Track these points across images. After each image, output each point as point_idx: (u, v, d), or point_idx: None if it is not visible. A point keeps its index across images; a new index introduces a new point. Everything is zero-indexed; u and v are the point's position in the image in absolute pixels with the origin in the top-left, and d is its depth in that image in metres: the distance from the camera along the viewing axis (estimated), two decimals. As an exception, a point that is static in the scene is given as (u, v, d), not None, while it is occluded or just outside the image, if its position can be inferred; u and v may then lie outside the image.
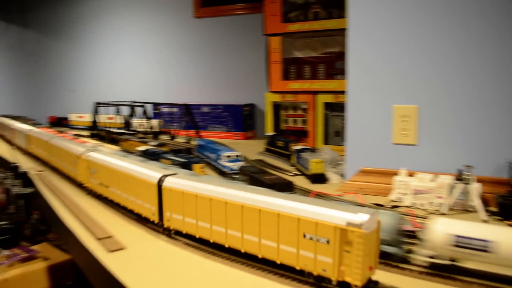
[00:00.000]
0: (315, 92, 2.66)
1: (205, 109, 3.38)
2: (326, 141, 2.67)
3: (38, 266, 2.16)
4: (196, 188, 1.05)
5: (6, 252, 2.18)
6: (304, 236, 0.83)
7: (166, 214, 1.14)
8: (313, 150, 2.07)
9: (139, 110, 3.03)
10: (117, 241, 1.11)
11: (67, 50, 4.89)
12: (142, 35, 4.16)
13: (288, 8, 2.72)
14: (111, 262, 1.00)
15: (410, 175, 1.48)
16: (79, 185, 1.68)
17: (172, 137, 2.99)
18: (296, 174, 1.95)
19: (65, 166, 1.84)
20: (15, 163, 2.16)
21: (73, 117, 4.20)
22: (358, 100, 1.68)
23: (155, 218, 1.19)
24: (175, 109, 3.46)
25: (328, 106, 2.65)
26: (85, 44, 4.70)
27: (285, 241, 0.86)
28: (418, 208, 1.40)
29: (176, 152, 2.24)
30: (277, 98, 2.84)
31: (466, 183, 1.33)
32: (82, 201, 1.53)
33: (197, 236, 1.06)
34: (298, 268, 0.85)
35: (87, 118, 3.98)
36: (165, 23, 3.97)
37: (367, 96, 1.66)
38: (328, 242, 0.79)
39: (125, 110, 3.32)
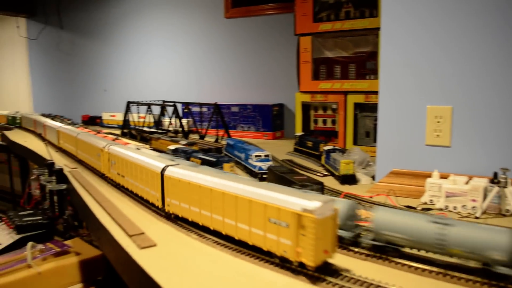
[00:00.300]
0: (345, 92, 2.64)
1: (235, 109, 3.40)
2: (356, 142, 2.64)
3: (70, 260, 2.21)
4: (189, 176, 1.17)
5: (40, 246, 2.24)
6: (270, 220, 0.93)
7: (167, 199, 1.28)
8: (343, 151, 2.05)
9: (169, 110, 3.07)
10: (148, 238, 1.12)
11: (101, 50, 5.00)
12: (173, 36, 4.22)
13: (319, 7, 2.71)
14: (143, 258, 1.01)
15: (443, 177, 1.44)
16: (102, 176, 1.85)
17: (202, 136, 3.02)
18: (325, 175, 1.94)
19: (90, 158, 2.01)
20: (50, 160, 2.22)
21: (106, 116, 4.29)
22: (390, 100, 1.66)
23: (158, 203, 1.32)
24: (204, 109, 3.50)
25: (358, 106, 2.62)
26: (118, 44, 4.80)
27: (255, 225, 0.97)
28: (451, 211, 1.37)
29: (205, 151, 2.26)
30: (306, 98, 2.83)
31: (501, 186, 1.29)
32: (110, 195, 1.56)
33: (190, 220, 1.19)
34: (265, 249, 0.96)
35: (119, 117, 4.06)
36: (196, 23, 4.01)
37: (399, 97, 1.63)
38: (287, 226, 0.89)
39: (156, 109, 3.37)
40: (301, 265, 0.88)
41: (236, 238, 1.03)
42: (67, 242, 2.38)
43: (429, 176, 1.47)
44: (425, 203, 1.45)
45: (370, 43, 2.57)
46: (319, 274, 0.87)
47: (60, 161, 2.36)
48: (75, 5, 5.16)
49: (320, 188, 1.43)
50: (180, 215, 1.23)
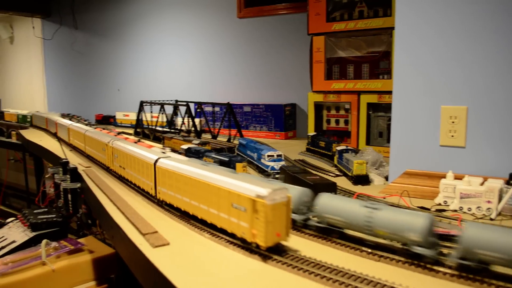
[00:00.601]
0: (358, 92, 2.62)
1: (247, 109, 3.40)
2: (369, 142, 2.62)
3: (84, 258, 2.23)
4: (174, 167, 1.31)
5: (54, 244, 2.26)
6: (232, 205, 1.04)
7: (158, 188, 1.42)
8: (355, 151, 2.04)
9: (182, 109, 3.09)
10: (161, 236, 1.13)
11: (114, 50, 5.04)
12: (187, 35, 4.24)
13: (332, 7, 2.70)
14: (156, 257, 1.02)
15: (458, 178, 1.43)
16: (106, 169, 2.02)
17: (214, 136, 3.03)
18: (338, 175, 1.93)
19: (96, 153, 2.19)
20: (65, 159, 2.25)
21: (119, 116, 4.32)
22: (404, 100, 1.65)
23: (152, 191, 1.46)
24: (217, 108, 3.50)
25: (372, 106, 2.60)
26: (131, 44, 4.83)
27: (222, 209, 1.09)
28: (465, 213, 1.36)
29: (218, 150, 2.27)
30: (319, 98, 2.82)
31: (518, 188, 1.27)
32: (125, 194, 1.57)
33: (175, 206, 1.32)
34: (229, 231, 1.07)
35: (132, 116, 4.09)
36: (209, 23, 4.02)
37: (413, 97, 1.62)
38: (245, 210, 1.00)
39: (169, 109, 3.39)
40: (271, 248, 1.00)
41: (209, 222, 1.15)
42: (80, 240, 2.40)
43: (443, 177, 1.46)
44: (439, 204, 1.44)
45: (384, 43, 2.55)
46: (269, 253, 0.99)
47: (74, 160, 2.39)
48: (89, 5, 5.21)
49: (331, 186, 1.43)
50: (168, 202, 1.37)
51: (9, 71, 6.75)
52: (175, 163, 1.33)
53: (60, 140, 3.10)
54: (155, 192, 1.44)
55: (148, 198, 1.53)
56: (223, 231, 1.11)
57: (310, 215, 1.16)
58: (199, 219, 1.20)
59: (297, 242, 1.09)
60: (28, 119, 4.51)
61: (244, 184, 1.02)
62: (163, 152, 1.47)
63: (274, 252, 1.00)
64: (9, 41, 6.56)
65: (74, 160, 2.37)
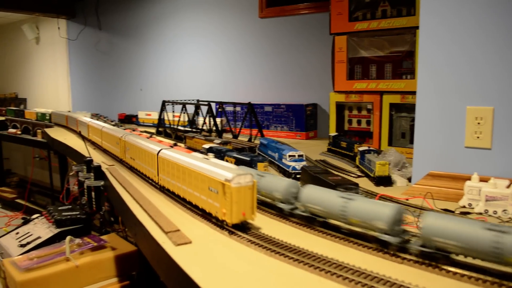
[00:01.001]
0: (381, 92, 2.59)
1: (268, 109, 3.40)
2: (391, 143, 2.59)
3: (107, 255, 2.26)
4: (170, 156, 1.50)
5: (78, 241, 2.30)
6: (209, 188, 1.22)
7: (160, 175, 1.61)
8: (378, 152, 2.02)
9: (203, 109, 3.11)
10: (184, 235, 1.14)
11: (137, 50, 5.10)
12: (208, 35, 4.26)
13: (355, 6, 2.68)
14: (178, 255, 1.03)
15: (483, 180, 1.40)
16: (120, 161, 2.24)
17: (235, 136, 3.04)
18: (359, 176, 1.91)
19: (111, 147, 2.42)
20: (89, 157, 2.29)
21: (141, 115, 4.37)
22: (429, 100, 1.62)
23: (156, 179, 1.66)
24: (238, 108, 3.51)
25: (394, 106, 2.57)
26: (153, 44, 4.88)
27: (203, 192, 1.27)
28: (491, 216, 1.33)
29: (239, 150, 2.27)
30: (341, 98, 2.80)
31: (546, 191, 1.24)
32: (149, 194, 1.59)
33: (171, 190, 1.52)
34: (207, 211, 1.26)
35: (154, 115, 4.14)
36: (231, 23, 4.03)
37: (438, 97, 1.59)
38: (217, 192, 1.17)
39: (191, 109, 3.41)
40: (234, 226, 1.17)
41: (193, 203, 1.34)
42: (103, 237, 2.44)
43: (468, 179, 1.43)
44: (464, 207, 1.41)
45: (407, 42, 2.52)
46: (234, 230, 1.16)
47: (98, 158, 2.42)
48: (113, 6, 5.28)
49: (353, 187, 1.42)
50: (166, 187, 1.56)
51: (35, 71, 6.90)
52: (171, 153, 1.52)
53: (84, 138, 3.16)
54: (158, 179, 1.64)
55: (183, 204, 1.54)
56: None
57: (296, 205, 1.26)
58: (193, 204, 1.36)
59: (279, 228, 1.24)
60: (47, 117, 4.71)
61: (218, 170, 1.19)
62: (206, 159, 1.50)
63: (240, 229, 1.16)
64: (35, 41, 6.71)
65: (98, 158, 2.41)
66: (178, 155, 1.46)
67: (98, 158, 2.40)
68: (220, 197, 1.16)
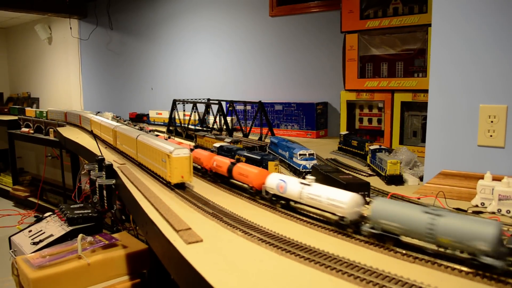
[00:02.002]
0: (392, 91, 2.58)
1: (278, 107, 3.40)
2: (402, 142, 2.58)
3: (118, 253, 2.28)
4: (143, 138, 1.99)
5: (90, 239, 2.32)
6: (162, 160, 1.70)
7: (138, 155, 2.10)
8: (389, 151, 2.01)
9: (214, 107, 3.11)
10: (195, 233, 1.14)
11: (148, 49, 5.13)
12: (219, 35, 4.26)
13: (366, 4, 2.66)
14: (189, 253, 1.03)
15: (496, 179, 1.38)
16: (113, 148, 2.67)
17: (246, 134, 3.04)
18: (371, 175, 1.90)
19: (107, 136, 2.85)
20: (100, 156, 2.30)
21: (152, 114, 4.39)
22: (441, 99, 1.60)
23: (136, 157, 2.15)
24: (249, 107, 3.51)
25: (405, 105, 2.55)
26: (164, 43, 4.90)
27: (159, 163, 1.75)
28: (504, 215, 1.31)
29: (250, 149, 2.27)
30: (352, 96, 2.79)
31: (561, 190, 1.22)
32: (159, 192, 1.60)
33: (144, 165, 2.02)
34: (161, 176, 1.75)
35: (165, 114, 4.15)
36: (241, 22, 4.03)
37: (450, 95, 1.58)
38: (165, 161, 1.65)
39: (201, 107, 3.42)
40: (178, 185, 1.65)
41: (154, 171, 1.85)
42: (114, 235, 2.46)
43: (481, 177, 1.41)
44: (476, 206, 1.40)
45: (419, 40, 2.50)
46: (175, 188, 1.63)
47: (109, 157, 2.44)
48: (124, 6, 5.31)
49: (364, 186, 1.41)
50: (141, 162, 2.07)
51: (47, 71, 6.96)
52: (144, 136, 2.03)
53: (96, 137, 3.18)
54: (136, 157, 2.14)
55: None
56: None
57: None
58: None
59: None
60: (44, 114, 5.07)
61: (166, 145, 1.68)
62: (143, 131, 2.22)
63: (179, 188, 1.64)
64: (48, 41, 6.77)
65: (109, 157, 2.43)
66: (148, 138, 1.93)
67: (109, 157, 2.42)
68: (167, 164, 1.63)
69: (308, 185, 1.22)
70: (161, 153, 1.70)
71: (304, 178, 1.33)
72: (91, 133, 3.47)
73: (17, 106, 6.42)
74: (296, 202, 1.32)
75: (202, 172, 1.93)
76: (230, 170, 1.64)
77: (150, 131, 2.58)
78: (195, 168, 1.93)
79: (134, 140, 2.13)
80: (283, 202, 1.38)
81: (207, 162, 1.84)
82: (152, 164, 1.87)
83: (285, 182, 1.31)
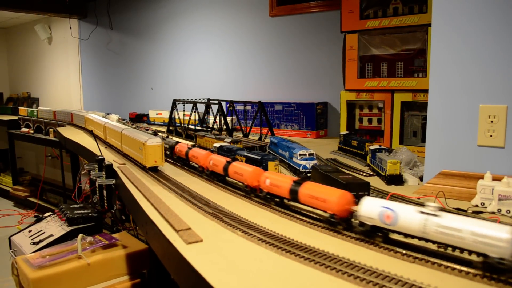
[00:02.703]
0: (392, 91, 2.58)
1: (278, 107, 3.40)
2: (402, 141, 2.58)
3: (118, 253, 2.28)
4: (127, 131, 2.35)
5: (89, 239, 2.32)
6: (139, 148, 2.01)
7: (122, 146, 2.43)
8: (389, 150, 2.01)
9: (214, 107, 3.11)
10: (194, 233, 1.14)
11: (148, 49, 5.13)
12: (219, 34, 4.26)
13: (366, 4, 2.66)
14: (189, 253, 1.03)
15: (496, 179, 1.39)
16: (104, 141, 2.98)
17: (246, 134, 3.04)
18: (371, 175, 1.90)
19: (98, 132, 3.19)
20: (101, 156, 2.30)
21: (152, 114, 4.40)
22: (441, 98, 1.60)
23: (121, 149, 2.48)
24: (249, 107, 3.51)
25: (405, 105, 2.55)
26: (164, 43, 4.90)
27: (137, 151, 2.08)
28: (504, 215, 1.31)
29: (250, 149, 2.27)
30: (352, 96, 2.79)
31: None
32: (158, 191, 1.60)
33: (124, 152, 2.41)
34: (139, 161, 2.10)
35: (165, 114, 4.16)
36: (241, 22, 4.03)
37: (451, 95, 1.58)
38: (142, 149, 1.97)
39: (201, 107, 3.42)
40: (152, 168, 2.01)
41: (134, 158, 2.20)
42: (114, 235, 2.46)
43: (481, 177, 1.42)
44: (476, 206, 1.40)
45: (419, 40, 2.50)
46: (149, 171, 1.99)
47: (109, 157, 2.44)
48: (124, 6, 5.31)
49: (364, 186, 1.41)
50: (125, 152, 2.38)
51: (47, 71, 6.96)
52: (128, 128, 2.44)
53: (96, 138, 3.19)
54: (122, 148, 2.46)
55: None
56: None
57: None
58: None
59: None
60: (35, 113, 5.34)
61: (142, 136, 2.03)
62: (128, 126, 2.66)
63: (153, 170, 2.00)
64: (48, 41, 6.77)
65: (109, 157, 2.43)
66: (130, 131, 2.31)
67: (109, 157, 2.42)
68: (143, 151, 1.97)
69: (435, 215, 0.93)
70: (138, 143, 2.03)
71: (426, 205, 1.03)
72: (91, 133, 3.47)
73: (8, 106, 6.53)
74: (290, 200, 1.31)
75: (199, 171, 1.94)
76: (226, 168, 1.63)
77: (156, 132, 2.63)
78: (192, 167, 2.09)
79: (119, 133, 2.46)
80: (277, 200, 1.38)
81: (204, 161, 1.84)
82: (132, 152, 2.20)
83: (394, 211, 1.00)
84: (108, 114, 3.96)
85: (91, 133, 3.45)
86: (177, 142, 2.24)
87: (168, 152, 2.33)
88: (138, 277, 2.28)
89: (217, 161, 1.72)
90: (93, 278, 2.16)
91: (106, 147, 2.80)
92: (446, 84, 1.59)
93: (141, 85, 5.29)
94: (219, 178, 1.78)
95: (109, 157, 2.44)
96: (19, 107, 5.89)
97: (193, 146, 2.10)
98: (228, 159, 1.68)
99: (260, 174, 1.44)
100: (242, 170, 1.53)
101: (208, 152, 1.91)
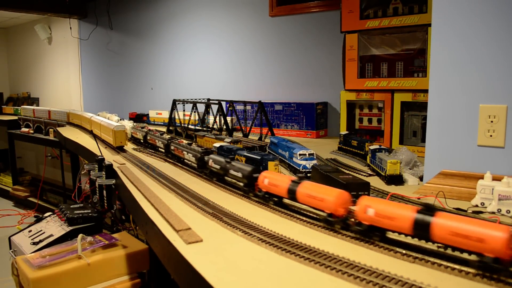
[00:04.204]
0: (392, 91, 2.58)
1: (278, 107, 3.40)
2: (402, 141, 2.58)
3: (118, 253, 2.28)
4: (106, 123, 2.90)
5: (89, 239, 2.32)
6: (110, 133, 2.70)
7: (101, 133, 3.01)
8: (389, 150, 2.01)
9: (214, 107, 3.11)
10: (195, 233, 1.14)
11: (148, 49, 5.13)
12: (219, 34, 4.26)
13: (366, 4, 2.66)
14: (189, 253, 1.03)
15: (496, 179, 1.38)
16: (90, 132, 3.53)
17: (245, 134, 3.04)
18: (371, 175, 1.90)
19: (86, 124, 3.70)
20: (101, 156, 2.30)
21: (152, 114, 4.40)
22: (441, 98, 1.60)
23: (100, 136, 3.08)
24: (249, 107, 3.51)
25: (405, 105, 2.55)
26: (164, 43, 4.90)
27: (109, 135, 2.74)
28: (504, 215, 1.31)
29: (250, 149, 2.27)
30: (352, 96, 2.79)
31: (561, 190, 1.22)
32: (156, 189, 1.60)
33: (102, 138, 3.03)
34: (109, 143, 2.78)
35: (165, 114, 4.16)
36: (241, 22, 4.03)
37: (451, 95, 1.58)
38: (112, 134, 2.65)
39: (201, 107, 3.42)
40: (119, 147, 2.68)
41: (107, 140, 2.82)
42: (114, 235, 2.46)
43: (481, 177, 1.42)
44: (476, 206, 1.40)
45: (419, 40, 2.50)
46: (117, 149, 2.65)
47: (109, 157, 2.44)
48: (124, 6, 5.31)
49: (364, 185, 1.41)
50: (102, 138, 3.01)
51: (47, 71, 6.96)
52: (104, 121, 2.99)
53: (96, 137, 3.19)
54: (91, 128, 3.31)
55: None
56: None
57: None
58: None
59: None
60: (19, 111, 5.88)
61: (112, 123, 2.73)
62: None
63: (119, 149, 2.63)
64: (48, 41, 6.76)
65: (109, 157, 2.43)
66: (105, 121, 2.97)
67: (109, 157, 2.42)
68: (112, 134, 2.63)
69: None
70: (109, 129, 2.72)
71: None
72: (91, 133, 3.47)
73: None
74: (288, 198, 1.30)
75: (236, 187, 1.65)
76: (292, 191, 1.26)
77: (162, 133, 2.67)
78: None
79: (99, 124, 3.07)
80: (275, 199, 1.38)
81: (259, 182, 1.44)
82: (106, 136, 2.85)
83: None
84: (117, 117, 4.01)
85: (91, 133, 3.45)
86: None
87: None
88: (138, 277, 2.28)
89: (277, 181, 1.34)
90: (93, 278, 2.16)
91: (106, 147, 2.80)
92: (446, 84, 1.59)
93: (141, 85, 5.29)
94: (218, 178, 1.78)
95: (109, 157, 2.44)
96: (3, 106, 6.30)
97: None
98: (294, 178, 1.30)
99: (348, 199, 1.14)
100: (321, 194, 1.17)
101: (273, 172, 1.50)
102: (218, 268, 0.95)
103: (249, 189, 1.49)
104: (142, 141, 2.77)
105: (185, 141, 2.30)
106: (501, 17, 1.45)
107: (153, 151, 2.59)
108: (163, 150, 2.42)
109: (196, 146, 2.13)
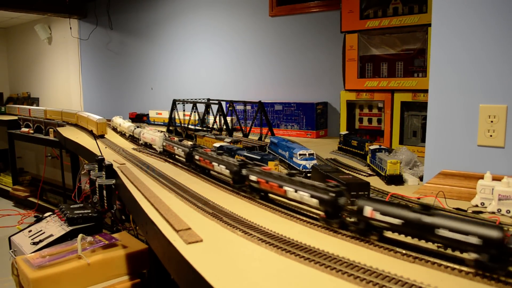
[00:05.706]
0: (392, 91, 2.58)
1: (278, 107, 3.40)
2: (402, 141, 2.58)
3: (118, 253, 2.28)
4: (90, 116, 3.58)
5: (89, 239, 2.32)
6: (95, 126, 3.33)
7: (87, 125, 3.63)
8: (389, 150, 2.01)
9: (214, 107, 3.11)
10: (195, 233, 1.14)
11: (148, 49, 5.13)
12: (219, 34, 4.26)
13: (366, 4, 2.66)
14: (189, 253, 1.03)
15: (496, 179, 1.38)
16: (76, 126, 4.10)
17: (245, 134, 3.04)
18: (370, 175, 1.90)
19: (72, 119, 4.23)
20: (101, 156, 2.30)
21: (152, 114, 4.40)
22: (441, 98, 1.60)
23: (87, 128, 3.68)
24: (249, 107, 3.51)
25: (405, 105, 2.55)
26: (164, 43, 4.90)
27: (94, 126, 3.38)
28: (504, 215, 1.31)
29: (250, 149, 2.27)
30: (352, 96, 2.79)
31: (561, 190, 1.22)
32: (156, 189, 1.60)
33: (89, 129, 3.62)
34: (94, 132, 3.42)
35: (165, 114, 4.16)
36: (241, 22, 4.03)
37: (451, 95, 1.58)
38: (96, 126, 3.32)
39: (201, 107, 3.42)
40: (101, 136, 3.32)
41: (93, 132, 3.41)
42: (114, 235, 2.46)
43: (481, 177, 1.41)
44: (476, 206, 1.40)
45: (419, 40, 2.50)
46: (99, 137, 3.28)
47: (110, 157, 2.44)
48: (124, 6, 5.31)
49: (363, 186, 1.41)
50: (90, 129, 3.55)
51: (47, 71, 6.96)
52: (91, 116, 3.50)
53: (95, 137, 3.20)
54: (77, 121, 3.88)
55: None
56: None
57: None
58: None
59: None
60: (3, 109, 6.49)
61: (96, 117, 3.40)
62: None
63: (101, 136, 3.28)
64: (47, 41, 6.76)
65: (110, 157, 2.43)
66: (91, 116, 3.50)
67: (110, 157, 2.42)
68: (95, 126, 3.27)
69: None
70: (93, 121, 3.38)
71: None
72: (91, 133, 3.48)
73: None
74: (274, 194, 1.36)
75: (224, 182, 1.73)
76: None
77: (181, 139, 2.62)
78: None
79: (86, 118, 3.62)
80: (262, 194, 1.42)
81: None
82: (92, 128, 3.44)
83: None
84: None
85: (91, 133, 3.46)
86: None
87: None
88: (138, 277, 2.28)
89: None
90: (93, 278, 2.16)
91: (106, 147, 2.80)
92: (446, 84, 1.59)
93: (141, 85, 5.29)
94: (204, 172, 1.81)
95: (109, 157, 2.44)
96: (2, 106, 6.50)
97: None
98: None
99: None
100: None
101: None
102: (218, 268, 0.95)
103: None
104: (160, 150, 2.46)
105: (209, 148, 2.01)
106: (501, 17, 1.45)
107: (152, 151, 2.55)
108: (183, 159, 2.06)
109: (226, 156, 1.72)
